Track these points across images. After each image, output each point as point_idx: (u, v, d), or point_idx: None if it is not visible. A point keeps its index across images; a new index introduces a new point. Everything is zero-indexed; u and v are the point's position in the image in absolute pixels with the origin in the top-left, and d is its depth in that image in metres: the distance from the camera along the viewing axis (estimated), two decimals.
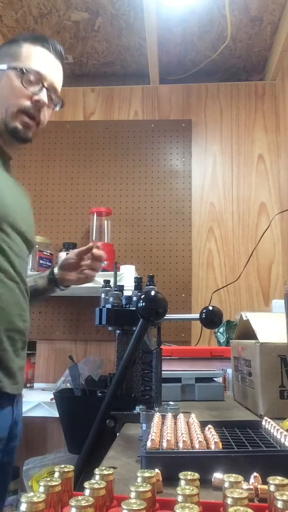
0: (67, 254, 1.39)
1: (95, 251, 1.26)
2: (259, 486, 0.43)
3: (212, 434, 0.57)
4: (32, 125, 1.07)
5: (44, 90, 1.07)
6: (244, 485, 0.41)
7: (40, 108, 1.06)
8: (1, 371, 0.94)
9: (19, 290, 1.01)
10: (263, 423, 0.66)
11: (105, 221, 2.21)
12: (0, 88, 1.05)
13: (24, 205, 1.13)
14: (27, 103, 1.04)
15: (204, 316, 1.02)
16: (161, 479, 0.46)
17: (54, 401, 1.33)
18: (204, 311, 1.03)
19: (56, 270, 1.29)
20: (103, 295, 1.05)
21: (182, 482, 0.36)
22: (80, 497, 0.31)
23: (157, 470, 0.43)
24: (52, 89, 1.10)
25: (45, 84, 1.07)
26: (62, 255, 1.96)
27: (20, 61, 1.06)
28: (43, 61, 1.08)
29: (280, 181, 2.28)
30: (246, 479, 0.43)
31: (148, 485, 0.34)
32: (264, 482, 0.38)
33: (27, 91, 1.04)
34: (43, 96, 1.06)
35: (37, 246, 1.92)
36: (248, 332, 1.07)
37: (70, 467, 0.39)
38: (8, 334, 0.96)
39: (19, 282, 1.02)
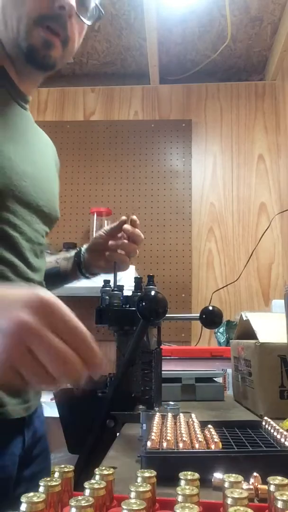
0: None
1: (126, 227, 0.94)
2: (259, 486, 0.43)
3: (212, 434, 0.57)
4: (55, 41, 0.75)
5: None
6: (244, 485, 0.41)
7: (65, 18, 0.75)
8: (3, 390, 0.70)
9: None
10: (263, 423, 0.66)
11: (105, 221, 2.21)
12: None
13: (43, 165, 0.84)
14: (47, 11, 0.74)
15: (204, 316, 1.02)
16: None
17: (54, 401, 1.33)
18: (204, 311, 1.03)
19: (83, 251, 0.99)
20: (103, 295, 1.04)
21: (182, 482, 0.36)
22: (80, 497, 0.31)
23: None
24: None
25: None
26: None
27: None
28: None
29: (280, 181, 2.28)
30: (246, 479, 0.43)
31: (148, 485, 0.34)
32: (264, 482, 0.38)
33: None
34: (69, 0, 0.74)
35: None
36: (248, 332, 1.06)
37: (70, 467, 0.39)
38: None
39: (33, 279, 0.79)
